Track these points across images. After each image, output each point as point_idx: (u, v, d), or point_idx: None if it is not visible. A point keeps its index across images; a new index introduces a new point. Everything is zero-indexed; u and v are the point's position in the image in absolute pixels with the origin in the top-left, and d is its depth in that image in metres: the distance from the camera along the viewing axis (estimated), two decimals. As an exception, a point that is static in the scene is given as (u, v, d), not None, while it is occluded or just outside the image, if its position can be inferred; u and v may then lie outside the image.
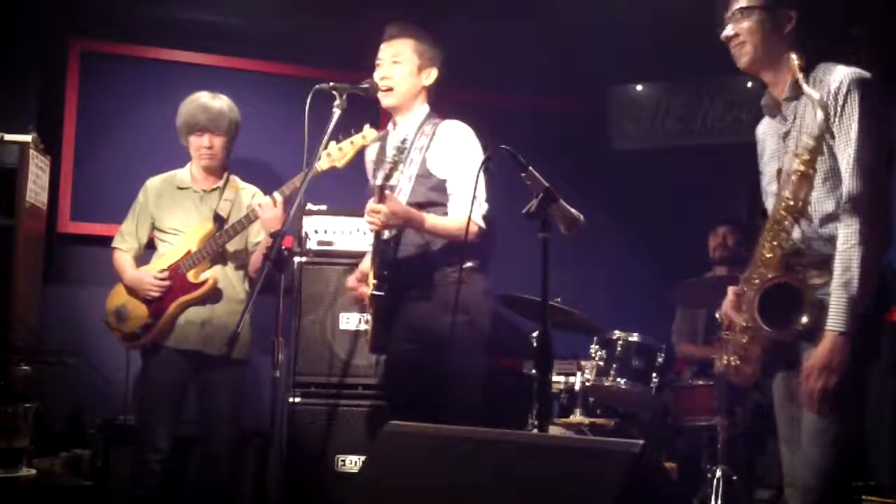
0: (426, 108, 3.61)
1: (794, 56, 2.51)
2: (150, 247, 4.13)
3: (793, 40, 2.60)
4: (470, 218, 3.20)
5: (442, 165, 3.47)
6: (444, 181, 3.46)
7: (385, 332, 3.46)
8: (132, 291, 3.98)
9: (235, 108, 4.11)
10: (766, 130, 2.80)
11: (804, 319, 2.47)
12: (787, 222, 2.52)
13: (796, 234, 2.55)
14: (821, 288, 2.51)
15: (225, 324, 3.95)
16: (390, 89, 3.52)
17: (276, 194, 3.82)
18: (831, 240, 2.51)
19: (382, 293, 3.38)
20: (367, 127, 3.65)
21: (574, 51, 4.91)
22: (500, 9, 4.67)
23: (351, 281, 3.70)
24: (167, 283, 3.93)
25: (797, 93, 2.60)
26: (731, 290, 2.75)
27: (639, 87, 5.62)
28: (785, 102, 2.66)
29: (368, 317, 3.56)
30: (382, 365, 3.69)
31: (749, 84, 5.18)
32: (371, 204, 3.31)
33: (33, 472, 3.55)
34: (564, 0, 4.54)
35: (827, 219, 2.53)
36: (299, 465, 4.08)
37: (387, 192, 3.29)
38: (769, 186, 2.74)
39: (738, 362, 2.70)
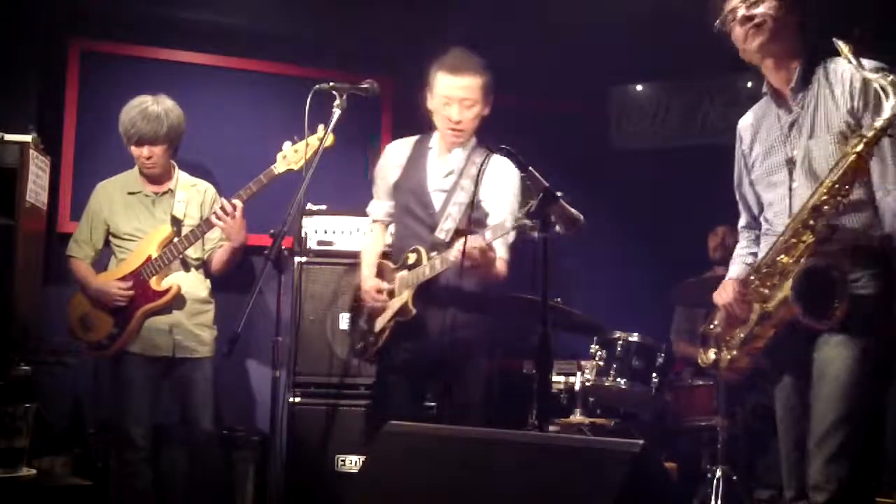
0: (474, 136, 3.62)
1: (841, 42, 2.46)
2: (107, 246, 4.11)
3: (799, 33, 2.60)
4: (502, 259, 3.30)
5: (489, 200, 3.49)
6: (487, 215, 3.48)
7: (396, 343, 3.50)
8: (96, 302, 3.97)
9: (176, 110, 4.00)
10: (758, 121, 2.77)
11: (837, 306, 2.39)
12: (827, 206, 2.44)
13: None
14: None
15: (191, 325, 3.98)
16: (461, 131, 3.53)
17: (235, 200, 3.83)
18: (853, 228, 2.48)
19: (416, 311, 3.42)
20: (321, 127, 3.62)
21: (574, 51, 4.90)
22: (500, 9, 4.67)
23: (372, 292, 3.58)
24: (131, 291, 3.92)
25: (807, 82, 2.60)
26: (732, 282, 2.71)
27: (639, 87, 5.62)
28: (792, 92, 2.63)
29: (379, 324, 3.55)
30: (379, 367, 3.70)
31: (749, 84, 5.17)
32: (481, 244, 3.22)
33: (33, 472, 3.55)
34: (564, 0, 4.54)
35: (852, 206, 2.48)
36: (299, 465, 4.08)
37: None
38: (771, 176, 2.69)
39: (735, 354, 2.66)
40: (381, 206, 3.77)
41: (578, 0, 4.54)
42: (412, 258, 3.48)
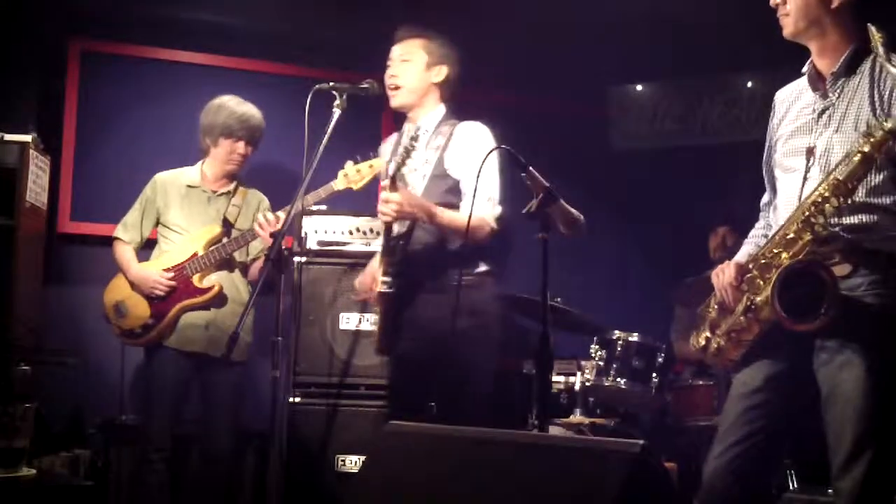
0: (442, 108, 3.58)
1: (873, 28, 2.35)
2: (148, 247, 4.13)
3: (847, 14, 2.47)
4: (472, 215, 3.10)
5: (458, 165, 3.42)
6: (459, 182, 3.42)
7: (392, 332, 3.44)
8: (135, 287, 3.98)
9: None
10: (795, 99, 2.63)
11: (824, 310, 2.30)
12: (828, 205, 2.36)
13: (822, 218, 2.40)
14: (842, 280, 2.37)
15: (228, 326, 3.95)
16: (397, 87, 3.51)
17: (281, 213, 3.84)
18: (854, 230, 2.40)
19: (391, 290, 3.35)
20: (381, 147, 3.67)
21: (574, 51, 4.91)
22: (500, 9, 4.68)
23: (360, 283, 3.63)
24: (173, 283, 3.94)
25: (851, 70, 2.47)
26: (733, 264, 2.60)
27: (639, 87, 5.62)
28: (832, 78, 2.50)
29: (374, 317, 3.54)
30: (388, 365, 3.67)
31: (749, 84, 5.18)
32: (384, 193, 3.24)
33: (33, 472, 3.56)
34: (564, 0, 4.54)
35: (856, 208, 2.40)
36: (299, 465, 4.08)
37: (399, 182, 3.25)
38: (788, 160, 2.58)
39: (722, 343, 2.59)
40: None
41: (578, 0, 4.54)
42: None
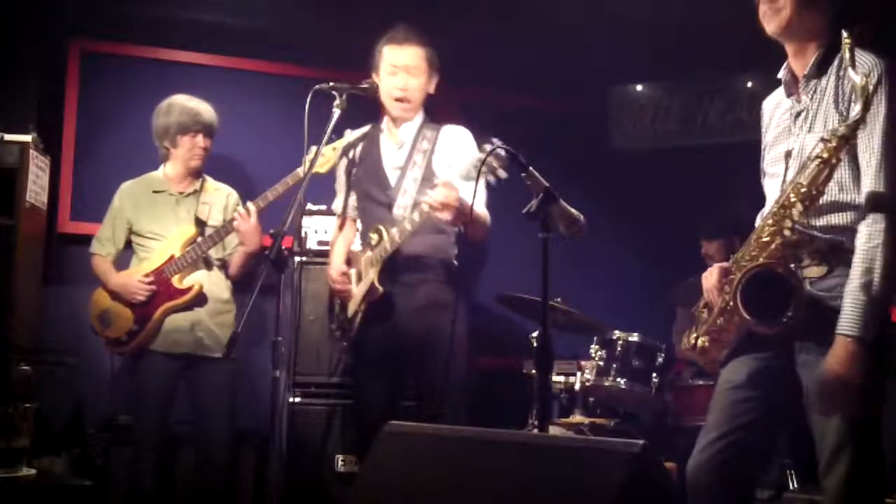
0: (422, 112, 3.64)
1: (845, 32, 2.34)
2: (130, 247, 4.14)
3: (828, 15, 2.48)
4: (473, 211, 3.16)
5: (446, 169, 3.48)
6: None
7: (368, 328, 3.50)
8: (117, 296, 3.99)
9: None
10: (776, 106, 2.66)
11: (790, 314, 2.32)
12: (794, 209, 2.37)
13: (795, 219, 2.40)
14: (817, 282, 2.40)
15: (213, 325, 3.99)
16: (408, 101, 3.54)
17: (251, 205, 3.85)
18: (830, 230, 2.41)
19: (384, 290, 3.43)
20: (348, 131, 3.66)
21: (574, 51, 4.91)
22: (500, 9, 4.67)
23: (338, 276, 3.62)
24: (153, 287, 3.94)
25: (821, 71, 2.48)
26: (717, 267, 2.63)
27: (639, 87, 5.62)
28: (804, 80, 2.51)
29: (351, 309, 3.57)
30: (353, 359, 3.74)
31: (749, 84, 5.17)
32: (446, 191, 3.21)
33: (33, 472, 3.56)
34: (565, 0, 4.54)
35: (829, 207, 2.41)
36: (299, 465, 4.08)
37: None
38: (771, 167, 2.61)
39: (707, 343, 2.61)
40: (340, 200, 3.78)
41: (578, 0, 4.54)
42: (374, 238, 3.49)
